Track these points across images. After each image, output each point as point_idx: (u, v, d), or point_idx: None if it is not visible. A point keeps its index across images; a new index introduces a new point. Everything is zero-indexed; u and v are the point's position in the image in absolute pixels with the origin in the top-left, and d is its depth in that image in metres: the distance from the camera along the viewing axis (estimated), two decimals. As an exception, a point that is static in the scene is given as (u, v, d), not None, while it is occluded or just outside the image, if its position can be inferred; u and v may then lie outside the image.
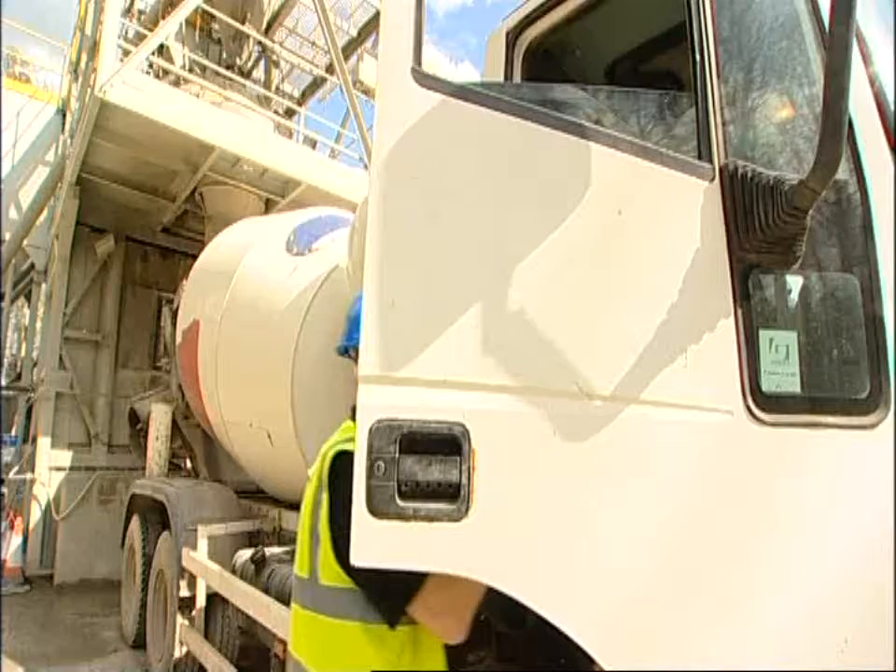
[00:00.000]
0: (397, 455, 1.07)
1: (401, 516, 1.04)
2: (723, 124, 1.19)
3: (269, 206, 7.58)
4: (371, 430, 1.08)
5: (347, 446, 1.23)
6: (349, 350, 1.69)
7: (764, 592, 1.06)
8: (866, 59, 1.23)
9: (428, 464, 1.04)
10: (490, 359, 1.08)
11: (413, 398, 1.08)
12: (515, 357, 1.09)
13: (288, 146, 7.55)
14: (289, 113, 9.41)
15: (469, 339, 1.08)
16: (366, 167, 7.78)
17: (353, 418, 1.34)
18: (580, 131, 1.14)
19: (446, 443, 1.04)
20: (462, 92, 1.15)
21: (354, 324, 1.68)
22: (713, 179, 1.14)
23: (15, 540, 7.22)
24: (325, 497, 1.26)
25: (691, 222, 1.12)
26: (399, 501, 1.04)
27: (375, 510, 1.06)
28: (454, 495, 1.03)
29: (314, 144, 8.72)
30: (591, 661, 1.07)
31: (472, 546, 1.03)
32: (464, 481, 1.03)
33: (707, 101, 1.21)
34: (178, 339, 5.05)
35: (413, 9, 1.18)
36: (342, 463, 1.23)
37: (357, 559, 1.06)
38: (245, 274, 4.09)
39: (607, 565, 1.05)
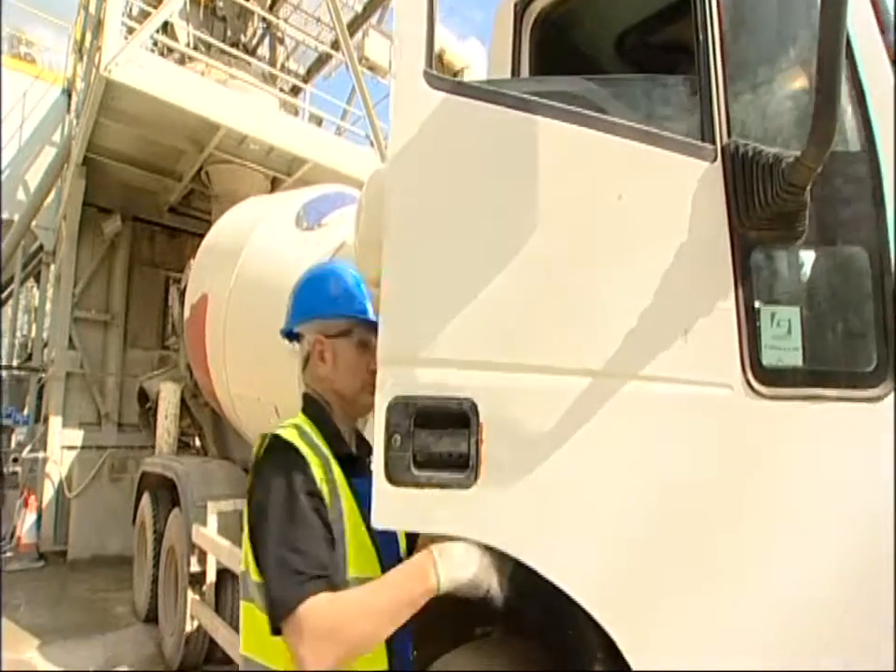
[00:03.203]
0: (412, 428, 1.17)
1: (416, 483, 1.14)
2: (726, 104, 1.18)
3: (275, 185, 7.55)
4: (388, 407, 1.19)
5: (276, 430, 1.26)
6: (292, 333, 1.49)
7: (764, 561, 1.07)
8: (883, 28, 1.21)
9: (440, 437, 1.14)
10: (497, 340, 1.17)
11: (427, 376, 1.18)
12: (520, 337, 1.16)
13: (294, 123, 7.49)
14: (295, 91, 9.31)
15: (478, 321, 1.16)
16: (372, 144, 7.72)
17: (303, 409, 1.41)
18: (582, 120, 1.19)
19: (456, 418, 1.13)
20: (470, 91, 1.26)
21: (295, 306, 1.51)
22: (715, 159, 1.15)
23: (29, 518, 7.34)
24: (250, 482, 1.24)
25: (693, 202, 1.14)
26: (413, 470, 1.15)
27: (393, 478, 1.18)
28: (463, 464, 1.13)
29: (319, 122, 8.65)
30: (599, 634, 1.12)
31: (480, 511, 1.12)
32: (472, 452, 1.13)
33: (710, 80, 1.21)
34: (186, 314, 5.05)
35: (426, 16, 1.28)
36: (265, 447, 1.24)
37: (378, 522, 1.17)
38: (254, 247, 4.07)
39: (605, 531, 1.11)
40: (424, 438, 1.16)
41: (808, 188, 1.04)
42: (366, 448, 1.48)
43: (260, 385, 3.91)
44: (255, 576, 1.18)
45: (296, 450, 1.22)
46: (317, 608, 1.04)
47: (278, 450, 1.22)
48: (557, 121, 1.19)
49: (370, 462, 1.38)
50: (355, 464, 1.36)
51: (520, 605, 1.79)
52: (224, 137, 6.71)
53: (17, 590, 6.28)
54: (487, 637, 1.91)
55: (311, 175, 6.94)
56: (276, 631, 1.08)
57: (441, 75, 1.29)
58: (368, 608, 1.07)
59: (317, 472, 1.22)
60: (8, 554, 7.44)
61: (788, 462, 1.08)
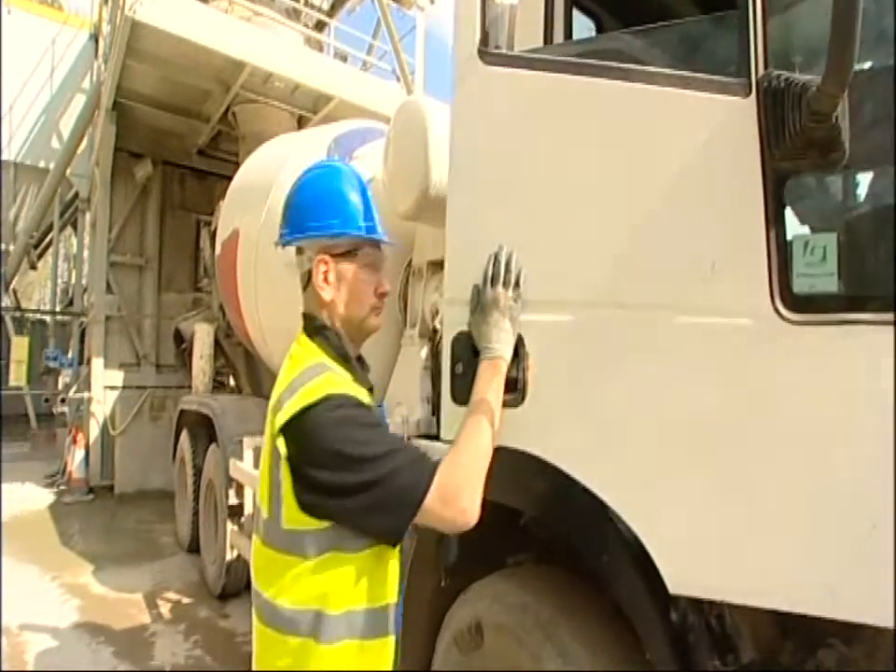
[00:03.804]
0: (472, 357, 1.36)
1: None
2: (764, 36, 1.13)
3: (301, 123, 7.43)
4: (453, 340, 1.46)
5: (305, 402, 1.12)
6: (291, 242, 1.36)
7: (790, 482, 1.06)
8: None
9: None
10: (538, 281, 1.33)
11: None
12: (557, 276, 1.31)
13: (320, 60, 7.31)
14: (319, 26, 9.04)
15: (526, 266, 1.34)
16: (398, 79, 7.50)
17: (304, 329, 1.33)
18: (614, 74, 1.27)
19: None
20: (515, 61, 1.43)
21: (282, 217, 1.38)
22: (749, 93, 1.14)
23: (78, 454, 7.71)
24: (282, 452, 1.15)
25: (726, 137, 1.15)
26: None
27: (457, 398, 1.46)
28: (513, 387, 1.33)
29: (345, 57, 8.43)
30: (630, 562, 1.21)
31: (526, 426, 1.33)
32: (520, 376, 1.34)
33: (747, 12, 1.15)
34: (217, 251, 5.05)
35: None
36: (298, 431, 1.12)
37: (446, 436, 1.42)
38: (286, 179, 4.03)
39: (633, 443, 1.21)
40: None
41: (836, 114, 0.99)
42: (367, 369, 1.41)
43: (290, 317, 3.90)
44: (291, 524, 1.16)
45: (349, 397, 1.16)
46: (446, 471, 1.14)
47: (339, 406, 1.13)
48: (592, 78, 1.28)
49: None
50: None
51: (551, 535, 1.83)
52: (249, 76, 6.62)
53: (71, 520, 6.68)
54: (519, 566, 1.95)
55: (337, 112, 6.80)
56: (397, 540, 1.17)
57: (493, 51, 1.47)
58: (478, 441, 1.20)
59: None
60: (62, 488, 7.86)
61: (818, 386, 1.05)
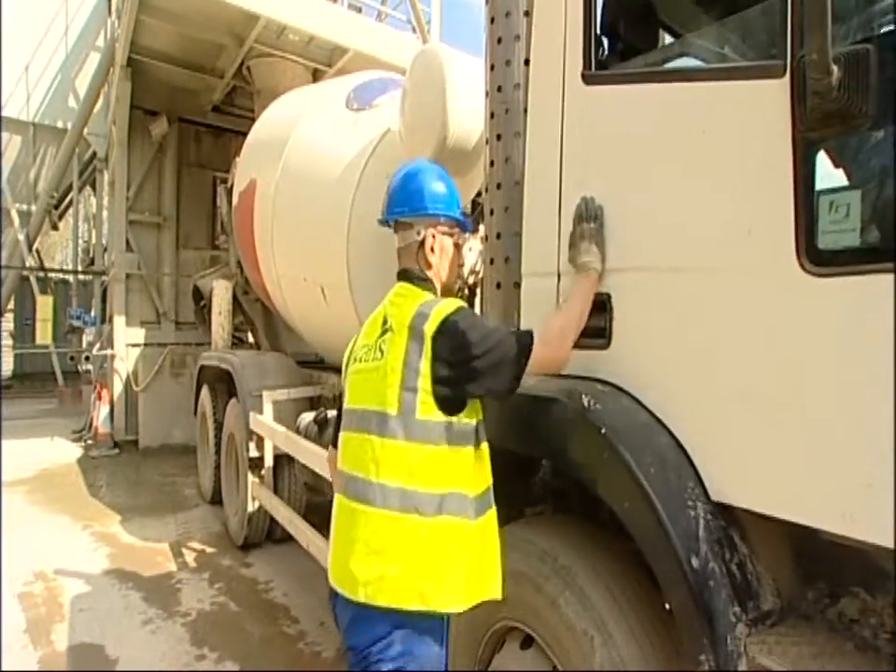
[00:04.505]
0: None
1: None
2: (801, 15, 1.15)
3: (316, 77, 7.27)
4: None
5: (448, 311, 1.52)
6: (389, 222, 1.76)
7: (820, 410, 1.16)
8: None
9: (589, 318, 1.62)
10: (615, 251, 1.60)
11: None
12: (629, 248, 1.57)
13: (334, 11, 7.11)
14: (334, -25, 8.82)
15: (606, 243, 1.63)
16: (414, 30, 7.29)
17: (406, 280, 1.70)
18: (673, 77, 1.47)
19: (598, 305, 1.62)
20: (603, 79, 1.65)
21: (393, 198, 1.73)
22: (784, 74, 1.19)
23: (103, 410, 7.91)
24: (427, 351, 1.49)
25: (764, 116, 1.24)
26: None
27: None
28: (601, 334, 1.62)
29: (359, 8, 8.19)
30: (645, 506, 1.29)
31: (611, 364, 1.60)
32: (607, 326, 1.61)
33: None
34: (235, 201, 5.04)
35: (582, 21, 1.68)
36: (448, 329, 1.49)
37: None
38: (307, 125, 4.00)
39: (692, 376, 1.41)
40: None
41: (833, 90, 1.05)
42: None
43: (307, 267, 3.91)
44: (425, 415, 1.49)
45: (469, 308, 1.60)
46: (544, 328, 1.58)
47: (466, 310, 1.57)
48: (672, 83, 1.46)
49: None
50: None
51: (569, 485, 1.85)
52: (263, 29, 6.47)
53: (98, 473, 6.91)
54: (537, 515, 1.98)
55: (352, 65, 6.64)
56: (517, 382, 1.54)
57: (593, 72, 1.67)
58: (571, 312, 1.61)
59: None
60: (89, 442, 8.07)
61: (844, 333, 1.12)
